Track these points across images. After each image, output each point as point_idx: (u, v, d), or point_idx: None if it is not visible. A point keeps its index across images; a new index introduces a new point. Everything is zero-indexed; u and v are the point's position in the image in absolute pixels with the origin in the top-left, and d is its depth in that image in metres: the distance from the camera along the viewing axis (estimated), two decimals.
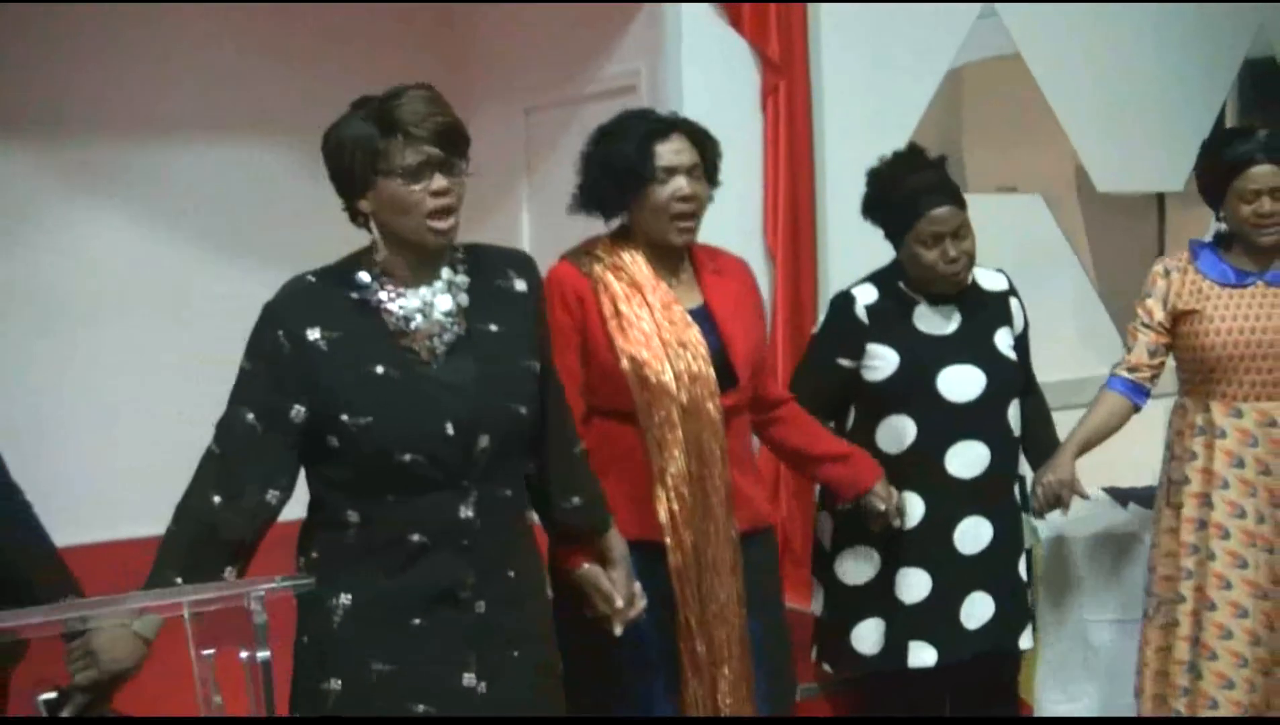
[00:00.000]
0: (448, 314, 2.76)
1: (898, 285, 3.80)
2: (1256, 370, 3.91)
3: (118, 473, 6.27)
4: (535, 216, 6.79)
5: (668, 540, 3.32)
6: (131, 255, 6.63)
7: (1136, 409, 4.05)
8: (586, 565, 3.11)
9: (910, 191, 3.71)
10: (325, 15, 6.81)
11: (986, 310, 3.85)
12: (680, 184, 3.35)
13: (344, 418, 2.68)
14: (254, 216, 6.73)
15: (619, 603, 3.08)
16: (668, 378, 3.31)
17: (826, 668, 3.98)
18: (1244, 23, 6.66)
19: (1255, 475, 3.92)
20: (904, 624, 3.77)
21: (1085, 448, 3.96)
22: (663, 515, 3.32)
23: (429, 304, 2.76)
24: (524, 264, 2.93)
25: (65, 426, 6.39)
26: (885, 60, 5.55)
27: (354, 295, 2.74)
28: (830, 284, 5.38)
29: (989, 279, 3.90)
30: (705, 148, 3.44)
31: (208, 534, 2.68)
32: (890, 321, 3.77)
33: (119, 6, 6.51)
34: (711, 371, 3.35)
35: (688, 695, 3.37)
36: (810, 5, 5.40)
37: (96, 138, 6.60)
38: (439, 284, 2.78)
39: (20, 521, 2.94)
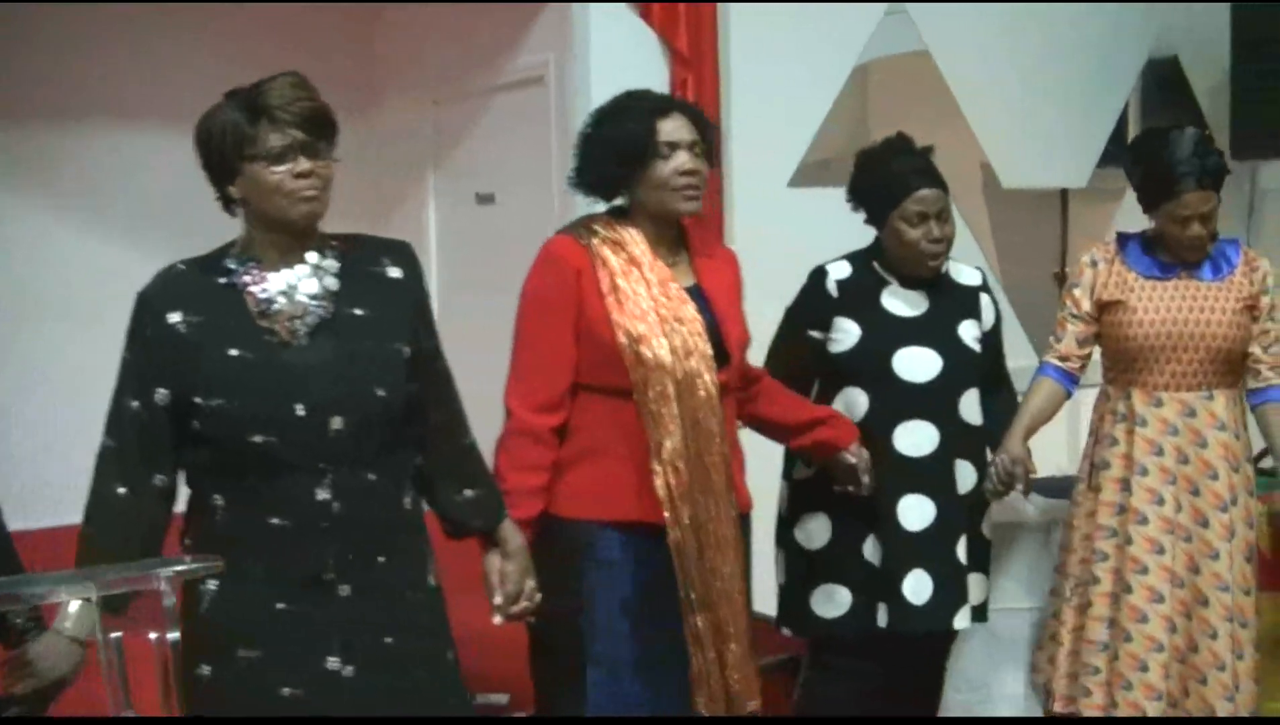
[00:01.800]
0: (312, 297, 2.80)
1: (872, 264, 3.92)
2: (1177, 361, 3.99)
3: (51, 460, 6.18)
4: (442, 207, 6.75)
5: (666, 515, 3.35)
6: (49, 246, 6.53)
7: (1068, 395, 4.13)
8: (485, 555, 3.14)
9: (899, 171, 3.84)
10: (232, 6, 6.73)
11: (955, 300, 3.94)
12: (683, 158, 3.40)
13: (198, 400, 2.73)
14: (164, 206, 6.63)
15: (498, 598, 3.13)
16: (664, 352, 3.35)
17: (786, 632, 4.04)
18: (1147, 23, 6.74)
19: (1174, 464, 3.99)
20: (855, 589, 3.87)
21: (1030, 432, 4.03)
22: (660, 490, 3.35)
23: (293, 287, 2.80)
24: (402, 252, 2.97)
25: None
26: (794, 54, 5.57)
27: (221, 280, 2.79)
28: None
29: (963, 273, 4.00)
30: (703, 128, 3.49)
31: (121, 527, 2.72)
32: (859, 297, 3.88)
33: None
34: (708, 347, 3.41)
35: (695, 671, 3.41)
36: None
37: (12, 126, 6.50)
38: (304, 268, 2.82)
39: None
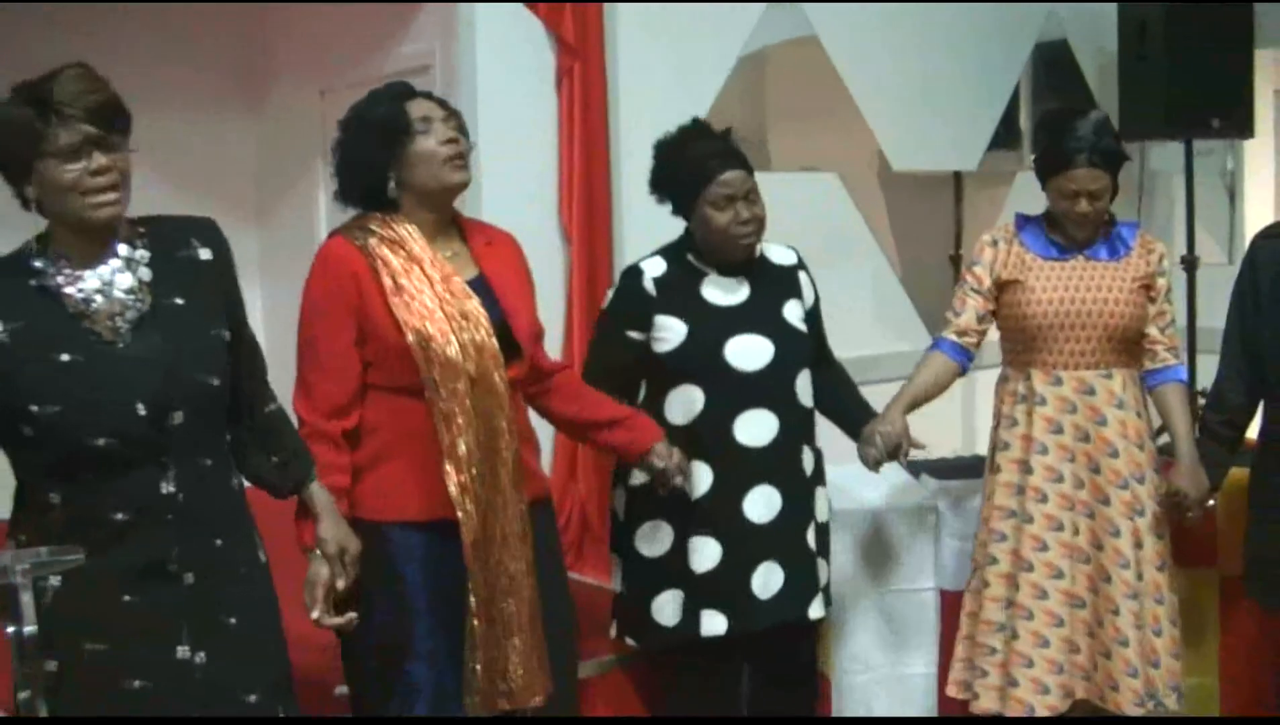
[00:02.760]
0: (129, 291, 2.75)
1: (686, 257, 3.86)
2: (1075, 339, 4.02)
3: None
4: (333, 196, 6.70)
5: (460, 515, 3.30)
6: None
7: (962, 372, 4.14)
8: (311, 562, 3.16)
9: (699, 157, 3.78)
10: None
11: (775, 283, 3.91)
12: (440, 129, 3.36)
13: (33, 408, 2.67)
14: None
15: (315, 612, 3.12)
16: (454, 351, 3.29)
17: (629, 641, 4.01)
18: (1035, 7, 6.79)
19: (1073, 441, 4.02)
20: (696, 593, 3.81)
21: (914, 405, 4.05)
22: (454, 490, 3.30)
23: (108, 283, 2.75)
24: (207, 230, 2.91)
25: None
26: (680, 41, 5.56)
27: (33, 282, 2.72)
28: (625, 263, 5.37)
29: (778, 253, 3.97)
30: (451, 108, 3.46)
31: None
32: (678, 293, 3.82)
33: None
34: (495, 343, 3.35)
35: (465, 673, 3.35)
36: None
37: None
38: (116, 262, 2.77)
39: None
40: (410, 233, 3.35)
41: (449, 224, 3.48)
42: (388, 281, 3.29)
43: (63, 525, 2.72)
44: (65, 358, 2.68)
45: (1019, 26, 6.79)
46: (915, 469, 4.63)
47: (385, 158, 3.35)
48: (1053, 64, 6.94)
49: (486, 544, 3.33)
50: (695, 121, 3.90)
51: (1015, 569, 4.05)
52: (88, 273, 2.73)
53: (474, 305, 3.34)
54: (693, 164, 3.77)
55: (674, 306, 3.80)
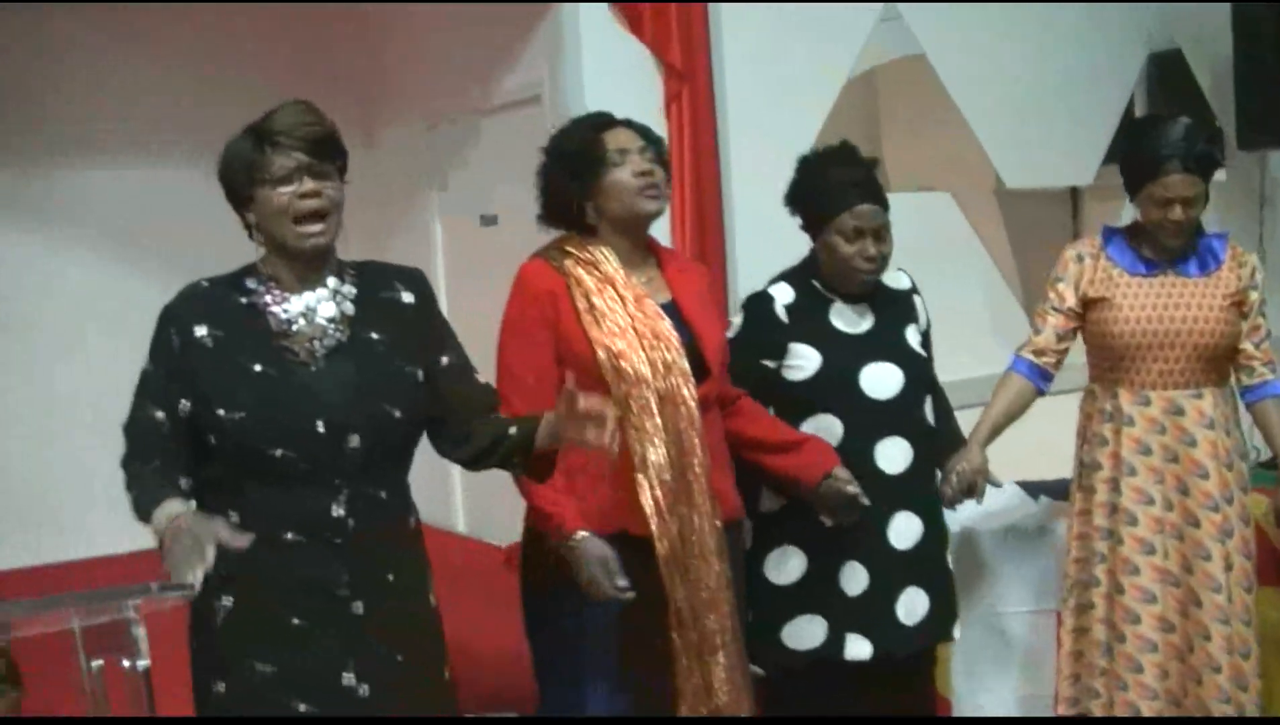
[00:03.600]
0: (330, 320, 2.89)
1: (812, 283, 3.87)
2: (1163, 359, 3.94)
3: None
4: (447, 229, 6.74)
5: (654, 528, 3.39)
6: (38, 276, 6.54)
7: (1040, 393, 4.09)
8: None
9: (839, 183, 3.80)
10: (233, 37, 6.75)
11: (896, 308, 3.90)
12: (636, 161, 3.48)
13: (220, 412, 2.80)
14: (175, 236, 6.64)
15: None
16: (643, 367, 3.40)
17: (755, 669, 3.95)
18: (1147, 16, 6.69)
19: (1162, 462, 3.94)
20: (841, 618, 3.82)
21: (994, 435, 4.01)
22: (647, 503, 3.39)
23: (312, 309, 2.89)
24: (413, 278, 3.05)
25: None
26: (788, 63, 5.54)
27: (243, 300, 2.88)
28: (738, 288, 5.35)
29: (893, 278, 3.96)
30: (650, 138, 3.59)
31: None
32: (809, 320, 3.83)
33: (22, 29, 6.44)
34: (684, 361, 3.45)
35: (684, 685, 3.42)
36: (711, 9, 5.38)
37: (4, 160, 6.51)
38: (323, 291, 2.91)
39: None
40: (604, 255, 3.49)
41: (644, 250, 3.60)
42: (581, 300, 3.43)
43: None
44: (258, 368, 2.83)
45: (1130, 37, 6.68)
46: (1034, 490, 4.56)
47: (581, 187, 3.49)
48: (1167, 74, 6.82)
49: (684, 558, 3.40)
50: (844, 143, 3.91)
51: (1111, 589, 3.98)
52: (294, 297, 2.89)
53: (665, 326, 3.46)
54: (831, 188, 3.79)
55: (806, 334, 3.81)
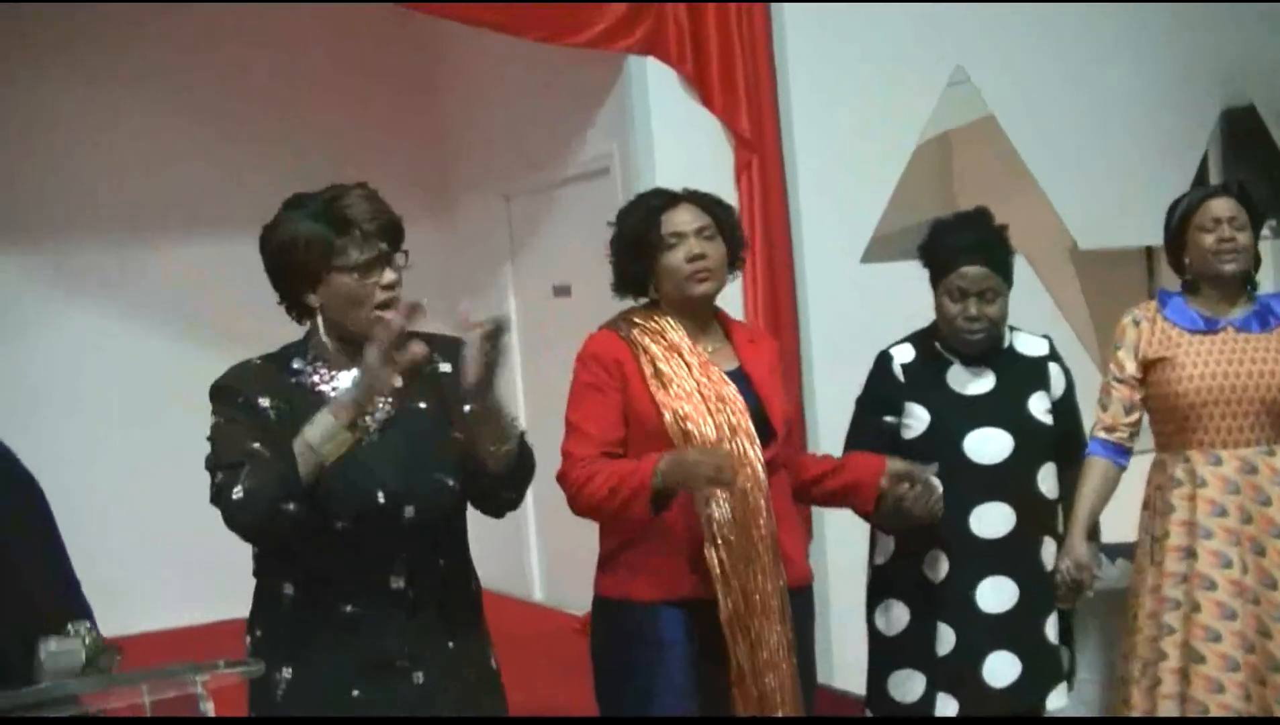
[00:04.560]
0: (380, 394, 2.84)
1: (934, 344, 3.89)
2: (1231, 416, 3.89)
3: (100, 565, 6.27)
4: (521, 300, 6.79)
5: (718, 587, 3.38)
6: (114, 351, 6.65)
7: (1122, 470, 4.03)
8: None
9: (949, 245, 3.82)
10: (306, 113, 6.86)
11: (1022, 374, 3.89)
12: (690, 245, 3.48)
13: None
14: (239, 309, 6.74)
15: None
16: (709, 429, 3.41)
17: (868, 712, 4.01)
18: (1221, 72, 6.67)
19: (1238, 523, 3.88)
20: (934, 675, 3.82)
21: (1090, 522, 3.93)
22: (712, 563, 3.38)
23: None
24: (448, 346, 2.98)
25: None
26: (857, 130, 5.57)
27: (292, 379, 2.86)
28: (812, 355, 5.37)
29: (1029, 343, 3.95)
30: (715, 211, 3.58)
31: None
32: (925, 380, 3.86)
33: (92, 107, 6.58)
34: (750, 423, 3.45)
35: None
36: (779, 77, 5.42)
37: (77, 237, 6.64)
38: None
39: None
40: (670, 323, 3.52)
41: (710, 321, 3.62)
42: (647, 366, 3.46)
43: (294, 617, 2.82)
44: None
45: (1203, 92, 6.67)
46: (1110, 554, 4.50)
47: (640, 267, 3.53)
48: (1240, 129, 6.80)
49: (746, 618, 3.40)
50: (977, 208, 3.94)
51: (1184, 664, 3.90)
52: (342, 374, 2.85)
53: (730, 390, 3.47)
54: (943, 249, 3.83)
55: (920, 393, 3.83)
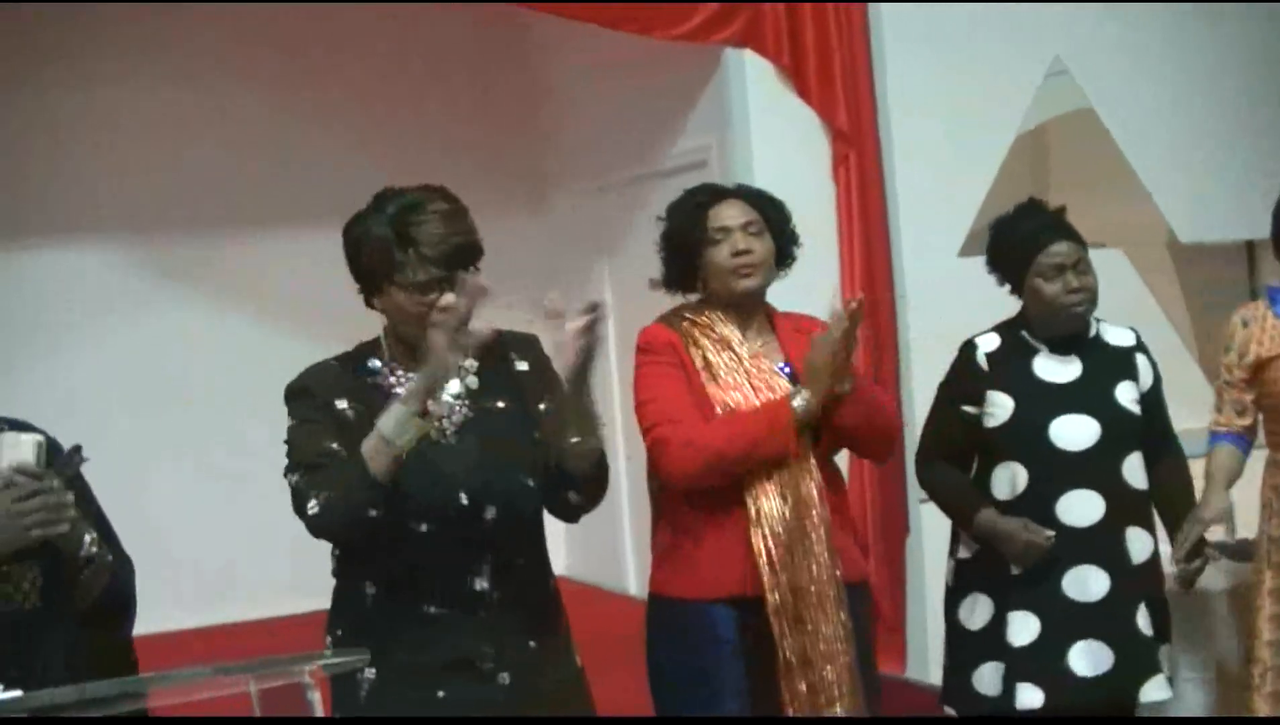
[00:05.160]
0: (456, 396, 2.89)
1: (1020, 333, 3.90)
2: None
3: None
4: (618, 295, 6.80)
5: (764, 578, 3.39)
6: (216, 345, 6.72)
7: (1246, 454, 4.00)
8: None
9: (1029, 230, 3.86)
10: (403, 108, 6.91)
11: (1109, 362, 3.89)
12: (735, 240, 3.52)
13: None
14: (340, 306, 6.81)
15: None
16: None
17: (950, 710, 4.00)
18: None
19: None
20: (1014, 666, 3.79)
21: (1227, 485, 3.92)
22: (760, 555, 3.40)
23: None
24: (525, 345, 3.04)
25: (140, 514, 6.44)
26: (955, 123, 5.54)
27: (369, 379, 2.89)
28: (910, 349, 5.35)
29: (1116, 334, 3.95)
30: (764, 207, 3.61)
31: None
32: (1009, 369, 3.86)
33: (189, 105, 6.65)
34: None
35: None
36: (876, 71, 5.41)
37: (179, 232, 6.71)
38: None
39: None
40: (719, 317, 3.56)
41: (758, 315, 3.64)
42: (698, 358, 3.50)
43: (376, 617, 2.85)
44: None
45: None
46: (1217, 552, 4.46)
47: (686, 262, 3.60)
48: None
49: (798, 609, 3.39)
50: (1031, 199, 3.94)
51: None
52: (416, 374, 2.83)
53: (780, 381, 3.50)
54: (1023, 237, 3.84)
55: (1004, 382, 3.83)
